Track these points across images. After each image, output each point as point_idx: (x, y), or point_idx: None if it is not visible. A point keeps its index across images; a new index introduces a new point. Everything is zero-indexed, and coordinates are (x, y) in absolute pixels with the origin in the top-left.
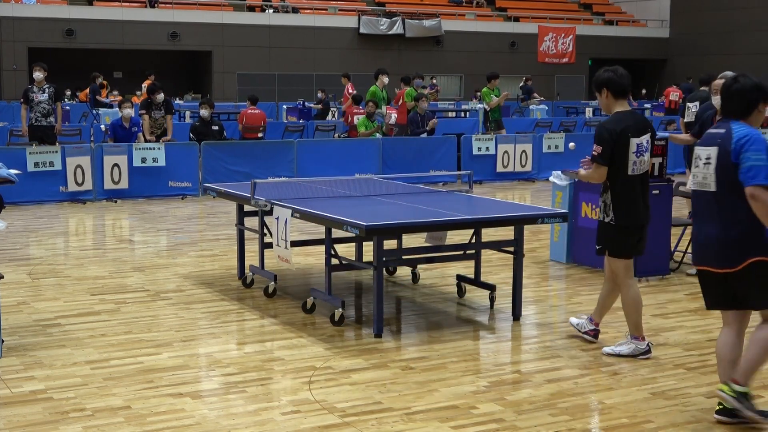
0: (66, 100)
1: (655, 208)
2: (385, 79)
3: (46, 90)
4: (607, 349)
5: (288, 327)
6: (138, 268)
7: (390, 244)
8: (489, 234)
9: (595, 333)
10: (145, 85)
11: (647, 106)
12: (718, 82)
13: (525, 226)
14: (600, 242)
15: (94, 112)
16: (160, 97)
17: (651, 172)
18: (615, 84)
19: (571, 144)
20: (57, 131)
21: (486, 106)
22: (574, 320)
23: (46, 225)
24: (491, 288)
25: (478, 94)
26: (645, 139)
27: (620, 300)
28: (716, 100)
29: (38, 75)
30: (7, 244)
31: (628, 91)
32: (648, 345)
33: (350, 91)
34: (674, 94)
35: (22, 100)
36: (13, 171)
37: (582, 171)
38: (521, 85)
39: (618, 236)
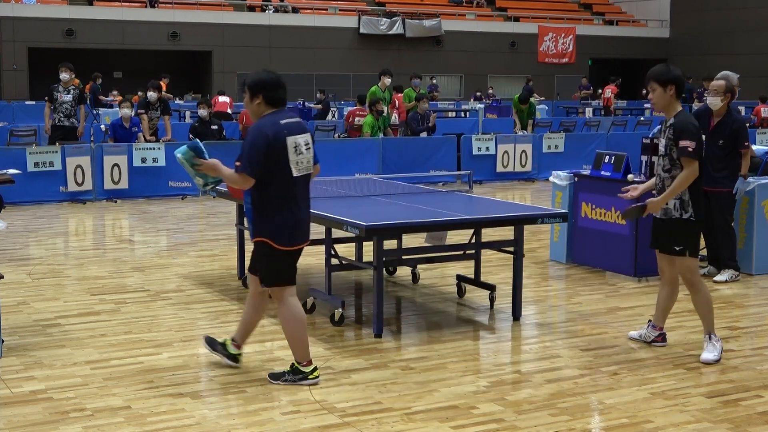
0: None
1: None
2: (387, 81)
3: (71, 91)
4: (708, 358)
5: None
6: (138, 268)
7: (390, 244)
8: (489, 234)
9: (663, 337)
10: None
11: (647, 105)
12: (716, 83)
13: (525, 226)
14: (679, 242)
15: (95, 112)
16: (152, 95)
17: (651, 171)
18: (679, 81)
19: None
20: (79, 133)
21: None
22: (634, 333)
23: (46, 225)
24: (491, 288)
25: (478, 93)
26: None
27: (695, 301)
28: (711, 101)
29: (65, 76)
30: (7, 244)
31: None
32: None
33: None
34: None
35: (46, 98)
36: (11, 171)
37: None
38: (524, 86)
39: (696, 233)
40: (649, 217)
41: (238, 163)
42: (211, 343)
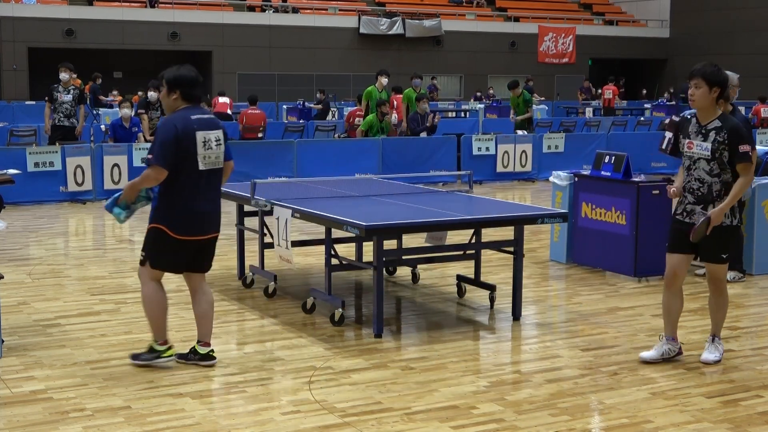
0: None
1: (655, 208)
2: (384, 81)
3: (71, 91)
4: (709, 358)
5: (288, 327)
6: (138, 268)
7: (390, 244)
8: (489, 234)
9: (680, 349)
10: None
11: (647, 105)
12: None
13: (525, 226)
14: (727, 249)
15: (95, 112)
16: (152, 95)
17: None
18: (724, 86)
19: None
20: (78, 132)
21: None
22: (651, 354)
23: (46, 225)
24: (491, 288)
25: (479, 93)
26: None
27: (716, 304)
28: None
29: (64, 76)
30: (7, 244)
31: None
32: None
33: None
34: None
35: (46, 98)
36: (11, 171)
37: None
38: (524, 86)
39: (736, 238)
40: (649, 217)
41: (149, 156)
42: (182, 356)
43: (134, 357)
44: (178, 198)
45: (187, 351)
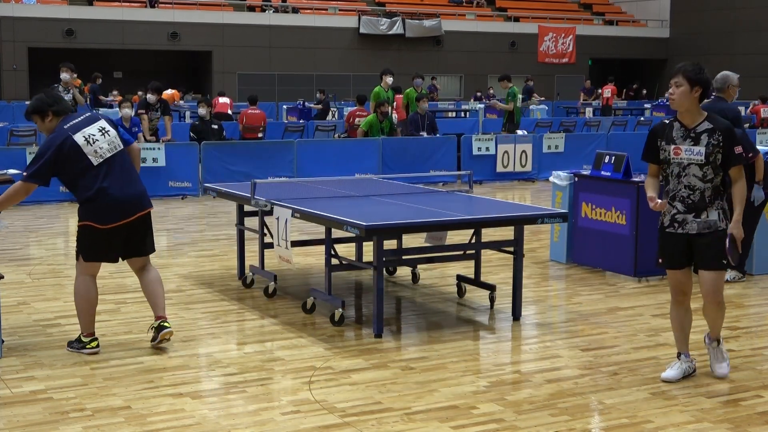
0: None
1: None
2: (389, 80)
3: (71, 90)
4: (724, 372)
5: (288, 327)
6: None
7: (390, 244)
8: (489, 234)
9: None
10: (170, 92)
11: (647, 105)
12: None
13: (525, 226)
14: (724, 254)
15: (95, 112)
16: (151, 97)
17: None
18: (707, 86)
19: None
20: None
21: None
22: (671, 373)
23: (46, 225)
24: (491, 288)
25: (479, 93)
26: None
27: (715, 315)
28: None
29: (65, 76)
30: (7, 244)
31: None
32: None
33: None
34: None
35: None
36: (11, 171)
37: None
38: (524, 86)
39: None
40: (649, 217)
41: (24, 173)
42: (153, 340)
43: (69, 344)
44: (91, 194)
45: (154, 338)
